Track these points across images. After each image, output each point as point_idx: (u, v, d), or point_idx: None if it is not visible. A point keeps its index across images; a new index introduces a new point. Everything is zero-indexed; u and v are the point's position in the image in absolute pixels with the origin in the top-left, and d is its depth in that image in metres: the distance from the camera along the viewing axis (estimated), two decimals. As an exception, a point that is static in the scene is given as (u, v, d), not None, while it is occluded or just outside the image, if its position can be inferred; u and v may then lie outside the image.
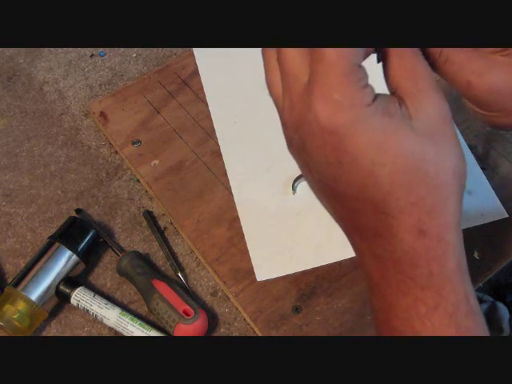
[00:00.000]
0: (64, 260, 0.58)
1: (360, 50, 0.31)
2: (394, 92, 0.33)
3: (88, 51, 0.81)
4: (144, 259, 0.60)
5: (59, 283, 0.57)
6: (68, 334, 0.57)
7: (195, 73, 0.77)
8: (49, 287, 0.56)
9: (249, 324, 0.58)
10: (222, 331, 0.58)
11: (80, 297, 0.57)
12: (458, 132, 0.69)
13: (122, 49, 0.82)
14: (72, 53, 0.81)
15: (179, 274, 0.60)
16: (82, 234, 0.60)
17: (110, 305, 0.57)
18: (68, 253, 0.58)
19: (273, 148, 0.67)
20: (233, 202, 0.64)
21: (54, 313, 0.58)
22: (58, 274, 0.57)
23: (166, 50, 0.82)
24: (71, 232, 0.60)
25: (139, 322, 0.55)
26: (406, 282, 0.32)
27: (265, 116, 0.66)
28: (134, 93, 0.75)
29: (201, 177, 0.67)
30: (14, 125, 0.74)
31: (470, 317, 0.32)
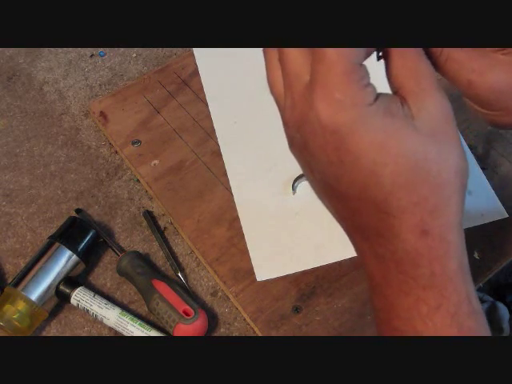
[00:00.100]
0: (64, 260, 0.58)
1: (361, 50, 0.31)
2: (396, 91, 0.33)
3: (88, 51, 0.81)
4: (144, 259, 0.60)
5: (59, 283, 0.57)
6: (68, 334, 0.57)
7: (195, 73, 0.77)
8: (49, 287, 0.56)
9: (249, 324, 0.58)
10: (221, 331, 0.58)
11: (80, 297, 0.57)
12: (458, 132, 0.69)
13: (122, 49, 0.82)
14: (72, 53, 0.81)
15: (179, 274, 0.60)
16: (82, 234, 0.60)
17: (110, 305, 0.57)
18: (68, 253, 0.58)
19: (273, 148, 0.67)
20: (233, 201, 0.64)
21: (53, 313, 0.58)
22: (58, 274, 0.57)
23: (166, 50, 0.82)
24: (71, 232, 0.60)
25: (139, 321, 0.55)
26: (408, 281, 0.32)
27: (265, 116, 0.67)
28: (134, 93, 0.75)
29: (201, 177, 0.67)
30: (14, 125, 0.74)
31: (471, 317, 0.32)
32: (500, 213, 0.62)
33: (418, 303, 0.32)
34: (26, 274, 0.57)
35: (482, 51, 0.35)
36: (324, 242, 0.60)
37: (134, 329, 0.55)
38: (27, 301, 0.55)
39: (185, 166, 0.68)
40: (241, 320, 0.58)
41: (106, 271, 0.61)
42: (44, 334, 0.58)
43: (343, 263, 0.59)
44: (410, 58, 0.32)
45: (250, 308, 0.57)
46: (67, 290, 0.57)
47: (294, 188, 0.64)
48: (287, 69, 0.32)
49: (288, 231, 0.61)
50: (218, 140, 0.69)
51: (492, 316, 1.09)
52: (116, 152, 0.71)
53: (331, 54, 0.30)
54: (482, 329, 0.33)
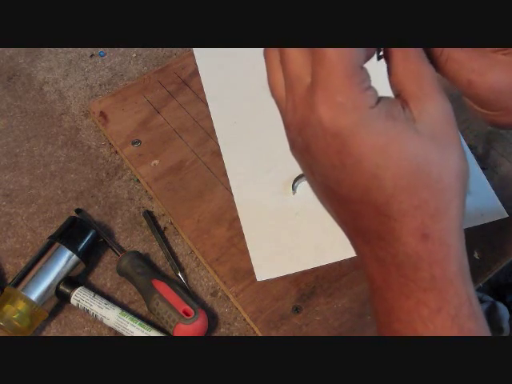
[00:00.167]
0: (64, 260, 0.58)
1: (361, 51, 0.30)
2: (397, 94, 0.33)
3: (88, 51, 0.81)
4: (144, 259, 0.60)
5: (59, 283, 0.57)
6: (68, 334, 0.57)
7: (195, 73, 0.77)
8: (49, 287, 0.56)
9: (249, 324, 0.58)
10: (221, 331, 0.58)
11: (80, 297, 0.57)
12: (459, 134, 0.69)
13: (122, 49, 0.82)
14: (72, 53, 0.81)
15: (179, 274, 0.60)
16: (82, 234, 0.60)
17: (110, 305, 0.57)
18: (68, 253, 0.58)
19: (273, 148, 0.67)
20: (233, 201, 0.64)
21: (53, 313, 0.58)
22: (58, 273, 0.57)
23: (166, 50, 0.82)
24: (71, 232, 0.60)
25: (139, 322, 0.55)
26: (409, 284, 0.32)
27: (265, 116, 0.67)
28: (134, 93, 0.75)
29: (201, 177, 0.67)
30: (14, 125, 0.74)
31: (472, 319, 0.32)
32: (500, 213, 0.62)
33: (418, 306, 0.32)
34: (25, 274, 0.57)
35: (482, 51, 0.35)
36: (324, 242, 0.60)
37: (134, 329, 0.55)
38: (27, 301, 0.55)
39: (185, 166, 0.68)
40: (241, 320, 0.58)
41: (106, 271, 0.61)
42: (44, 333, 0.58)
43: (343, 263, 0.59)
44: (411, 61, 0.32)
45: (250, 308, 0.57)
46: (67, 290, 0.57)
47: (293, 188, 0.64)
48: (288, 70, 0.32)
49: (288, 231, 0.61)
50: (218, 140, 0.69)
51: (492, 316, 1.09)
52: (116, 152, 0.71)
53: (332, 56, 0.30)
54: (482, 330, 0.33)
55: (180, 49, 0.81)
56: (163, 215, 0.66)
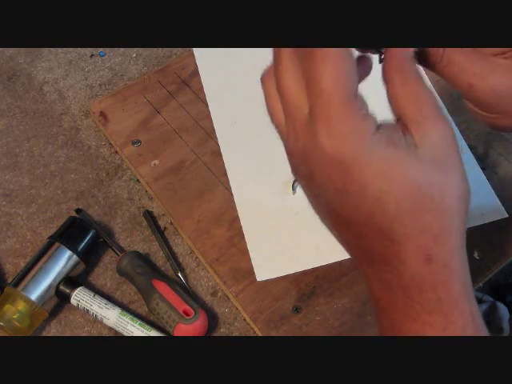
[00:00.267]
0: (64, 260, 0.58)
1: (354, 78, 0.30)
2: (398, 118, 0.33)
3: (88, 51, 0.81)
4: (144, 259, 0.60)
5: (59, 283, 0.57)
6: (68, 334, 0.57)
7: (195, 73, 0.77)
8: (49, 287, 0.56)
9: (249, 324, 0.58)
10: (221, 331, 0.58)
11: (80, 297, 0.57)
12: (458, 132, 0.69)
13: (122, 49, 0.82)
14: (72, 53, 0.81)
15: (179, 274, 0.60)
16: (82, 234, 0.60)
17: (110, 305, 0.57)
18: (68, 253, 0.58)
19: (273, 148, 0.66)
20: (233, 201, 0.64)
21: (53, 313, 0.58)
22: (58, 274, 0.57)
23: (166, 50, 0.82)
24: (71, 232, 0.60)
25: (139, 321, 0.55)
26: (415, 307, 0.32)
27: (265, 116, 0.66)
28: (133, 93, 0.75)
29: (201, 177, 0.67)
30: (14, 125, 0.74)
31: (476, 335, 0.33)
32: (500, 213, 0.62)
33: (424, 327, 0.32)
34: (25, 274, 0.57)
35: (483, 55, 0.35)
36: (324, 242, 0.60)
37: (134, 329, 0.55)
38: (27, 301, 0.55)
39: (185, 166, 0.68)
40: (241, 320, 0.58)
41: (106, 271, 0.61)
42: (44, 333, 0.58)
43: (343, 263, 0.59)
44: (410, 85, 0.32)
45: (249, 308, 0.57)
46: (67, 290, 0.57)
47: (293, 188, 0.64)
48: (286, 99, 0.33)
49: (288, 231, 0.61)
50: (218, 140, 0.69)
51: (492, 316, 1.09)
52: (116, 152, 0.71)
53: (327, 86, 0.30)
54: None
55: (180, 49, 0.81)
56: (163, 215, 0.66)
